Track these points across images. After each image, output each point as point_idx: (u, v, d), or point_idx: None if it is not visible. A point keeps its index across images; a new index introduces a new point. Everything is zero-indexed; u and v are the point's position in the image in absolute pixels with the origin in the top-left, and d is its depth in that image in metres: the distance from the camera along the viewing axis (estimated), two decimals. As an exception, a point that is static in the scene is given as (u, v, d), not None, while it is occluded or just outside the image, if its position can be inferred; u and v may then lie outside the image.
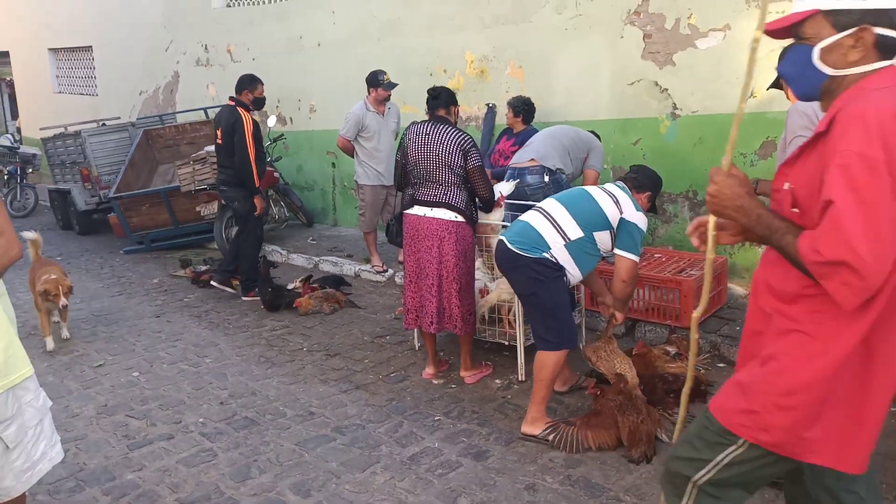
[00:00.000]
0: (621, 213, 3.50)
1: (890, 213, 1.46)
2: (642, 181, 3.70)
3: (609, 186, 3.63)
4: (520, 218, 3.65)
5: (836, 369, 1.62)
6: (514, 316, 4.22)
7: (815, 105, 2.70)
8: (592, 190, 3.62)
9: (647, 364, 4.02)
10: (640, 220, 3.52)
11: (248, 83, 6.01)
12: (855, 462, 1.71)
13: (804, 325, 1.65)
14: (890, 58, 1.60)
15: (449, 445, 3.49)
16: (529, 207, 4.52)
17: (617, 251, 3.52)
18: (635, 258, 3.51)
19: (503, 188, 4.40)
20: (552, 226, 3.49)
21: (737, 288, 5.40)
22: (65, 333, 5.22)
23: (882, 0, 1.58)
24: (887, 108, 1.49)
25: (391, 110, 6.37)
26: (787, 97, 2.94)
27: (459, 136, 3.93)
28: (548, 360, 3.48)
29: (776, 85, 3.02)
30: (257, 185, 5.95)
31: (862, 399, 1.66)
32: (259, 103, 6.09)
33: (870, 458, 1.75)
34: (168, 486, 3.19)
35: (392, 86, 6.23)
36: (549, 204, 3.61)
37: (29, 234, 5.28)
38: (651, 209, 3.83)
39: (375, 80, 6.22)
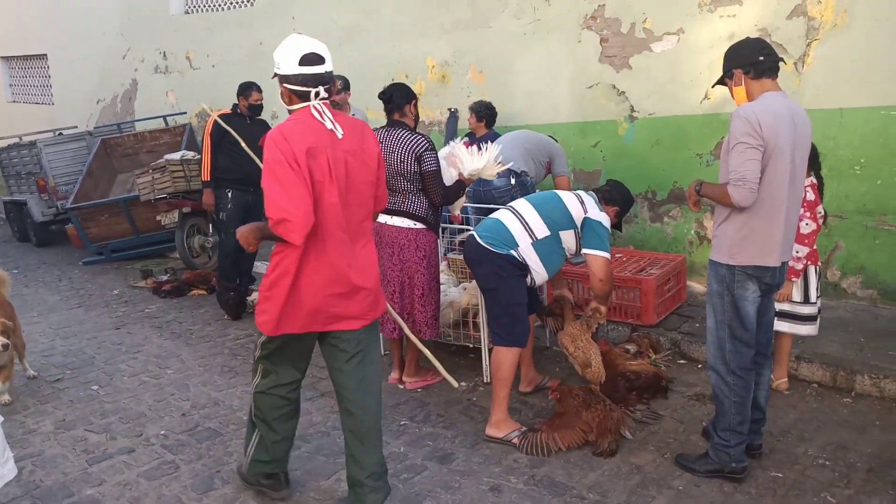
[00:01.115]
0: (586, 212, 3.59)
1: (296, 188, 2.54)
2: (613, 195, 3.81)
3: (579, 192, 3.74)
4: (492, 215, 3.75)
5: (288, 275, 2.64)
6: (480, 319, 4.24)
7: (759, 111, 2.80)
8: (561, 192, 3.74)
9: (608, 362, 4.07)
10: (603, 218, 3.62)
11: (243, 90, 5.98)
12: (292, 327, 2.73)
13: (276, 252, 2.70)
14: (306, 101, 2.67)
15: (414, 450, 3.49)
16: (495, 210, 4.58)
17: (586, 251, 3.59)
18: (606, 255, 3.58)
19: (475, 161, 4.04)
20: (521, 225, 3.59)
21: (695, 286, 5.50)
22: (29, 372, 4.63)
23: (284, 67, 2.66)
24: (281, 129, 2.61)
25: (355, 117, 6.30)
26: (732, 97, 3.01)
27: (412, 142, 3.86)
28: (503, 359, 3.52)
29: (721, 82, 3.10)
30: (205, 178, 5.94)
31: (298, 292, 2.66)
32: (254, 109, 5.99)
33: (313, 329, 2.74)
34: (128, 501, 3.14)
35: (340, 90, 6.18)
36: (520, 204, 3.71)
37: None
38: (617, 226, 3.92)
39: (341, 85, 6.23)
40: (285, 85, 2.66)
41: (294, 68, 2.63)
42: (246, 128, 5.93)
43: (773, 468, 3.19)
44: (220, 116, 5.85)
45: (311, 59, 2.64)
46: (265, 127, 6.02)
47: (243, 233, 2.71)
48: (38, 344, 5.36)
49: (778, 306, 3.62)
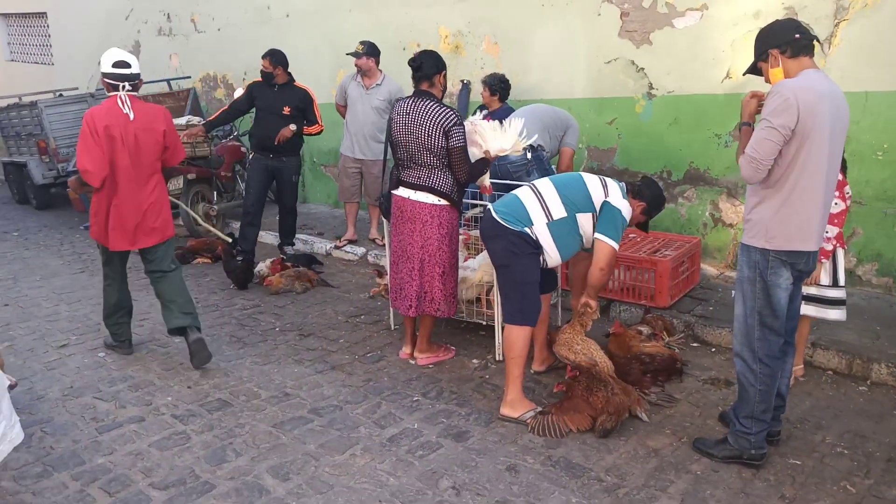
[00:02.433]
0: (607, 196, 3.51)
1: (94, 150, 3.82)
2: (643, 191, 3.67)
3: (608, 178, 3.64)
4: (512, 192, 3.67)
5: (101, 210, 4.00)
6: (493, 297, 4.19)
7: (799, 90, 2.71)
8: (586, 174, 3.64)
9: (622, 345, 4.03)
10: (623, 207, 3.52)
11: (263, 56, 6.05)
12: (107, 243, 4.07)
13: (94, 195, 3.92)
14: (115, 92, 3.95)
15: (428, 426, 3.46)
16: (512, 185, 4.50)
17: (598, 235, 3.50)
18: (614, 245, 3.49)
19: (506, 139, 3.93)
20: (539, 204, 3.52)
21: (709, 268, 5.45)
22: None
23: (103, 67, 3.94)
24: (92, 110, 3.90)
25: (381, 87, 6.15)
26: (766, 80, 2.92)
27: (441, 115, 3.75)
28: (516, 337, 3.48)
29: (753, 70, 3.00)
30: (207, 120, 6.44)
31: (107, 221, 3.97)
32: (265, 77, 6.00)
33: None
34: (141, 471, 3.10)
35: (354, 54, 6.09)
36: (542, 183, 3.64)
37: None
38: (642, 226, 3.82)
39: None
40: (104, 79, 3.98)
41: (109, 69, 3.94)
42: (271, 95, 5.92)
43: (792, 455, 3.17)
44: (251, 84, 6.13)
45: (120, 64, 3.95)
46: (296, 95, 5.94)
47: (71, 182, 4.20)
48: (42, 309, 5.29)
49: (805, 290, 3.57)
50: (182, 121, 7.22)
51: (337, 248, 6.57)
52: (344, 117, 6.45)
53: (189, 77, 9.51)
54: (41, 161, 8.79)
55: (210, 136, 7.37)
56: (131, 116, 3.92)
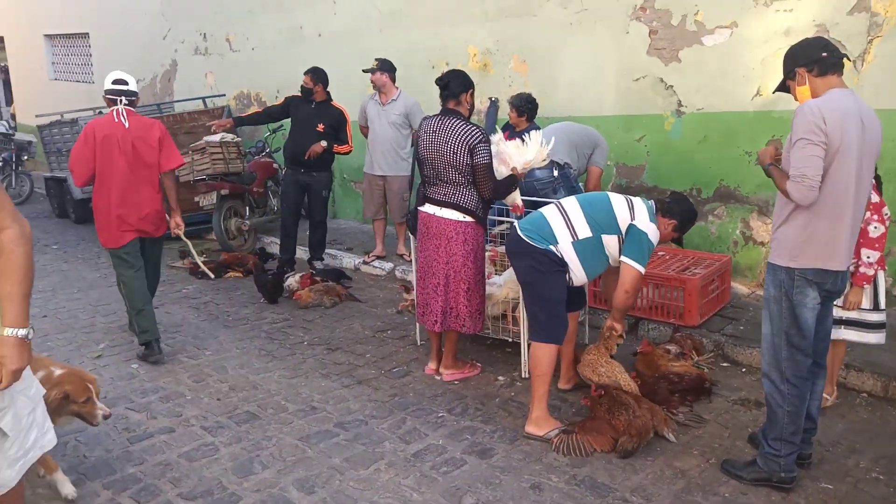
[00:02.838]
0: (633, 219, 3.49)
1: (84, 155, 4.45)
2: (672, 208, 3.63)
3: (634, 197, 3.63)
4: (538, 210, 3.69)
5: (96, 208, 4.55)
6: (519, 314, 4.19)
7: (824, 107, 2.69)
8: (612, 195, 3.63)
9: (650, 363, 4.00)
10: (650, 230, 3.49)
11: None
12: (107, 242, 4.60)
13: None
14: (115, 106, 4.53)
15: (453, 443, 3.47)
16: (538, 202, 4.51)
17: (623, 258, 3.49)
18: (640, 268, 3.47)
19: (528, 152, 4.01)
20: (564, 222, 3.53)
21: (740, 287, 5.38)
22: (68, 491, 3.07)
23: (106, 84, 4.54)
24: (92, 122, 4.54)
25: (396, 103, 6.26)
26: (795, 98, 2.90)
27: (466, 133, 3.78)
28: (542, 355, 3.48)
29: (782, 88, 2.99)
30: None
31: (107, 214, 4.48)
32: (305, 93, 6.20)
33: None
34: (169, 481, 3.16)
35: (370, 70, 6.20)
36: (568, 202, 3.64)
37: None
38: (677, 241, 3.80)
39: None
40: (105, 96, 4.56)
41: (109, 86, 4.54)
42: (307, 111, 6.10)
43: (824, 479, 3.10)
44: (290, 97, 6.34)
45: (119, 81, 4.54)
46: (331, 114, 6.09)
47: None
48: (79, 320, 5.43)
49: (844, 314, 3.51)
50: (216, 138, 7.38)
51: (365, 263, 6.64)
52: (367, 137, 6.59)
53: (224, 95, 9.72)
54: (81, 176, 9.02)
55: (243, 152, 7.54)
56: (126, 126, 4.47)
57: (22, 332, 2.00)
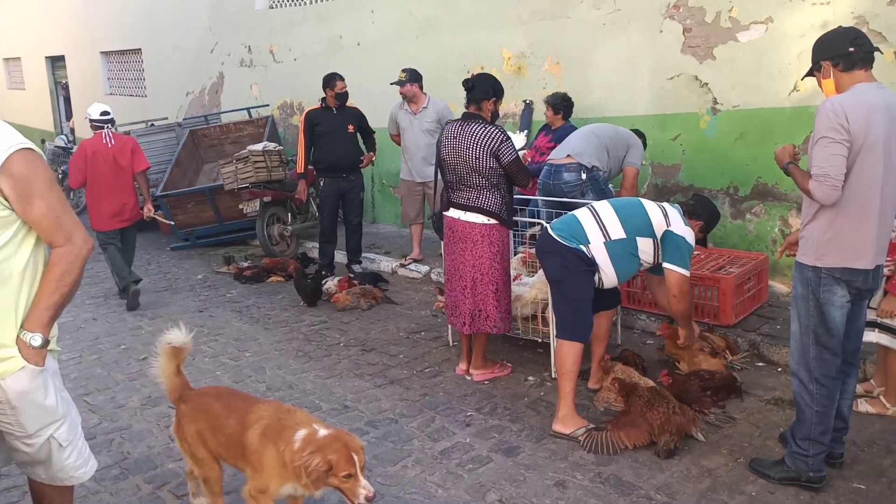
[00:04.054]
0: (668, 225, 3.54)
1: (78, 166, 6.18)
2: (697, 210, 3.75)
3: (664, 203, 3.69)
4: (571, 212, 3.76)
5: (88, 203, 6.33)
6: (549, 314, 4.21)
7: (847, 103, 2.65)
8: (645, 201, 3.69)
9: (688, 358, 3.99)
10: (687, 234, 3.55)
11: (327, 82, 6.38)
12: (97, 226, 6.17)
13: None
14: (100, 130, 6.27)
15: (480, 441, 3.51)
16: (567, 205, 4.54)
17: (665, 265, 3.54)
18: (684, 272, 3.51)
19: (517, 141, 4.34)
20: (596, 223, 3.57)
21: (778, 286, 5.28)
22: None
23: (92, 114, 6.33)
24: (84, 143, 6.32)
25: (427, 109, 6.37)
26: (822, 90, 2.86)
27: (487, 137, 3.85)
28: (567, 353, 3.51)
29: (811, 74, 2.94)
30: (299, 170, 6.56)
31: (98, 208, 6.20)
32: (341, 98, 6.36)
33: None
34: (207, 476, 3.29)
35: (398, 82, 6.31)
36: (600, 205, 3.70)
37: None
38: (701, 242, 3.83)
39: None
40: (92, 123, 6.18)
41: (97, 117, 6.19)
42: (332, 118, 6.27)
43: (856, 479, 3.04)
44: (309, 112, 6.34)
45: (105, 113, 6.24)
46: (353, 114, 6.32)
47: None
48: (128, 323, 5.68)
49: (879, 319, 3.41)
50: (259, 147, 7.61)
51: (402, 265, 6.74)
52: (399, 145, 6.71)
53: (267, 105, 9.99)
54: (133, 187, 9.42)
55: (285, 161, 7.75)
56: (110, 144, 6.12)
57: (27, 336, 2.10)
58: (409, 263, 6.71)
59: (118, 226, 6.18)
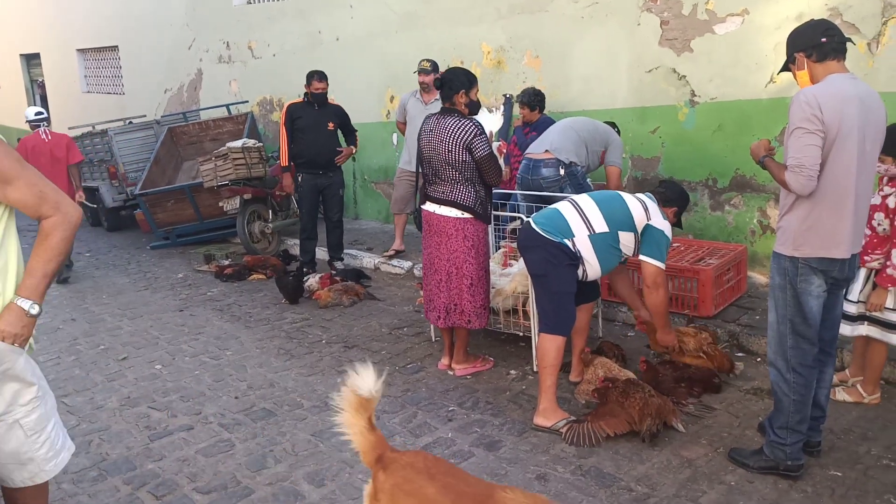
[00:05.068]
0: (649, 219, 3.58)
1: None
2: (669, 196, 3.81)
3: (640, 195, 3.72)
4: (552, 206, 3.77)
5: None
6: (529, 308, 4.22)
7: (820, 94, 2.67)
8: (625, 195, 3.72)
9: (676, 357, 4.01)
10: (666, 227, 3.61)
11: (307, 80, 6.34)
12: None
13: None
14: (37, 129, 7.30)
15: (462, 436, 3.52)
16: (546, 199, 4.56)
17: (642, 257, 3.59)
18: (659, 264, 3.56)
19: (492, 121, 4.32)
20: (580, 217, 3.59)
21: (757, 276, 5.33)
22: None
23: (28, 116, 7.51)
24: (24, 139, 7.19)
25: (438, 101, 6.34)
26: (797, 81, 2.88)
27: (460, 131, 3.84)
28: (549, 346, 3.52)
29: (786, 68, 2.97)
30: (283, 164, 6.51)
31: None
32: (316, 98, 6.32)
33: None
34: (187, 476, 3.27)
35: (424, 70, 6.28)
36: (582, 199, 3.71)
37: None
38: (677, 224, 3.89)
39: (417, 67, 6.38)
40: (30, 123, 7.20)
41: (33, 117, 7.23)
42: (313, 113, 6.24)
43: (833, 467, 3.08)
44: (290, 105, 6.30)
45: (40, 114, 7.35)
46: (334, 112, 6.29)
47: None
48: (107, 323, 5.62)
49: (870, 312, 3.45)
50: (238, 143, 7.55)
51: (387, 256, 6.72)
52: (404, 134, 6.68)
53: (247, 101, 9.91)
54: (111, 185, 9.32)
55: (265, 157, 7.69)
56: (47, 139, 7.00)
57: (27, 303, 2.11)
58: (393, 255, 6.69)
59: None
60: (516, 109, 6.55)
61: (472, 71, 4.20)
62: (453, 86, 3.94)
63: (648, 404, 3.34)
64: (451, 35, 7.28)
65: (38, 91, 16.33)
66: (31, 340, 2.21)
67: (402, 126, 6.67)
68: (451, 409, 3.81)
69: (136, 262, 7.83)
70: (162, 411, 3.97)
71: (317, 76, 6.28)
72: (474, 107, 4.01)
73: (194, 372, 4.53)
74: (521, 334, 4.46)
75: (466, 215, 3.93)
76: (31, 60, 16.18)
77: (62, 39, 14.25)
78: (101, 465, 3.40)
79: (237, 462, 3.37)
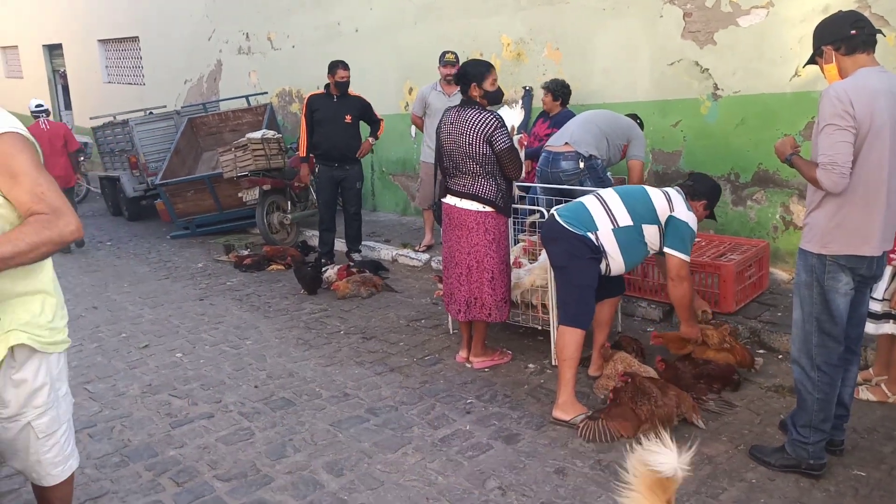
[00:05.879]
0: (672, 210, 3.55)
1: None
2: (698, 189, 3.76)
3: (667, 188, 3.70)
4: (577, 199, 3.77)
5: None
6: (549, 301, 4.20)
7: (851, 88, 2.62)
8: (649, 188, 3.70)
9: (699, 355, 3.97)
10: (690, 219, 3.56)
11: (330, 69, 6.34)
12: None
13: None
14: (37, 119, 8.29)
15: (480, 428, 3.52)
16: (566, 192, 4.54)
17: (666, 249, 3.56)
18: (683, 257, 3.52)
19: (512, 115, 4.29)
20: (604, 210, 3.58)
21: (780, 273, 5.27)
22: None
23: (30, 107, 8.46)
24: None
25: (459, 94, 6.32)
26: (824, 76, 2.83)
27: (481, 123, 3.81)
28: (568, 339, 3.51)
29: (812, 61, 2.91)
30: (301, 154, 6.62)
31: None
32: (341, 86, 6.32)
33: None
34: (207, 463, 3.30)
35: (450, 63, 6.25)
36: (607, 192, 3.70)
37: None
38: (710, 216, 3.86)
39: (440, 59, 6.36)
40: (32, 114, 8.07)
41: (34, 108, 8.19)
42: (331, 105, 6.25)
43: (856, 466, 3.04)
44: (311, 97, 6.32)
45: (40, 106, 8.27)
46: (354, 104, 6.28)
47: None
48: (128, 312, 5.68)
49: (892, 310, 3.40)
50: (258, 134, 7.58)
51: (416, 251, 6.70)
52: (421, 128, 6.64)
53: (266, 93, 9.95)
54: (132, 175, 9.40)
55: (284, 148, 7.72)
56: (46, 129, 7.90)
57: None
58: (424, 250, 6.68)
59: None
60: (536, 101, 6.52)
61: (492, 63, 4.19)
62: (466, 78, 3.93)
63: (653, 416, 3.31)
64: (471, 26, 7.24)
65: (59, 81, 16.49)
66: (64, 333, 2.21)
67: (417, 119, 6.64)
68: (469, 401, 3.82)
69: (156, 252, 7.91)
70: (183, 399, 4.01)
71: (341, 65, 6.30)
72: (494, 96, 3.96)
73: (214, 361, 4.56)
74: (539, 328, 4.44)
75: (488, 209, 3.91)
76: (53, 51, 16.34)
77: (84, 30, 14.37)
78: (122, 451, 3.44)
79: (257, 450, 3.40)
